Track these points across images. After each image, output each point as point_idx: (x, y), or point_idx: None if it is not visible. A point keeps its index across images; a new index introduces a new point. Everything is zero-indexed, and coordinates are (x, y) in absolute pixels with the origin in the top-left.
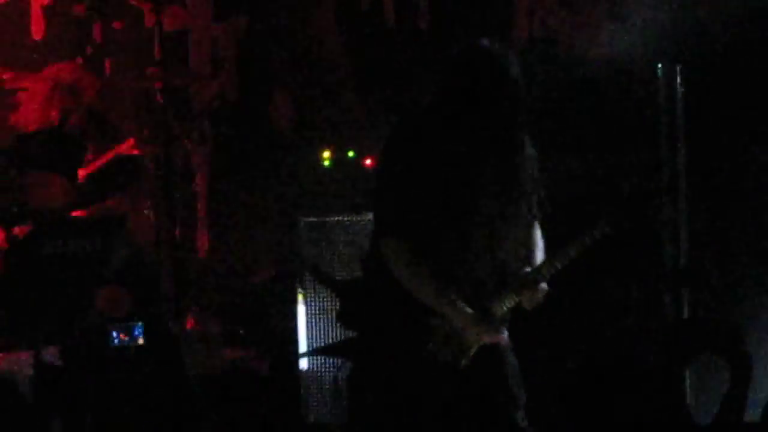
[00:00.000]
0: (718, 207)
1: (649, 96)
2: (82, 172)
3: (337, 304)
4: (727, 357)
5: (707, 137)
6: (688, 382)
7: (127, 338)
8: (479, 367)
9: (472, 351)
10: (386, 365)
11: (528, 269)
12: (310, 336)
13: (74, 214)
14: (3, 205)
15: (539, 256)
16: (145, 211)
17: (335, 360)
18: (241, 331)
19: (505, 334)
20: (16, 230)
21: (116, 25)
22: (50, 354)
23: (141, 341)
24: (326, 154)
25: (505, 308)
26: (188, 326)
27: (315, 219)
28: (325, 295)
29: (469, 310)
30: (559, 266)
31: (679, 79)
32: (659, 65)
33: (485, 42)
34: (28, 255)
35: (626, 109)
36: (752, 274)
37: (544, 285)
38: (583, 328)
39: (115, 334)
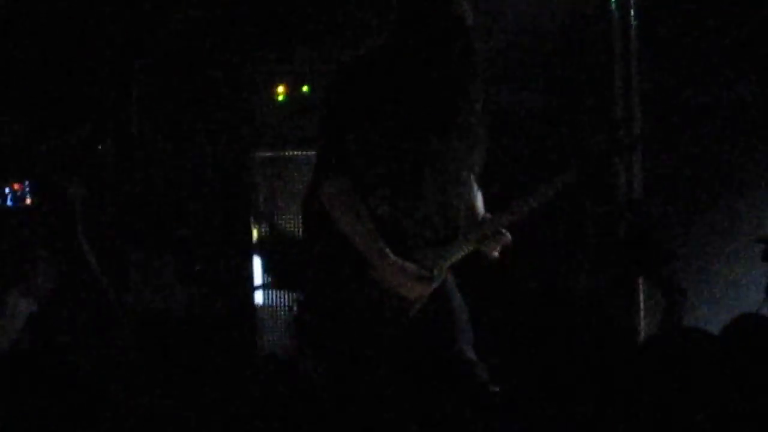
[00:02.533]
0: (673, 144)
1: (602, 30)
2: None
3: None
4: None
5: (662, 73)
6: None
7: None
8: (424, 307)
9: (416, 303)
10: (329, 311)
11: (488, 216)
12: (265, 274)
13: None
14: None
15: (480, 207)
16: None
17: (290, 294)
18: (197, 267)
19: (436, 283)
20: None
21: None
22: None
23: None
24: (281, 89)
25: (459, 256)
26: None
27: (270, 154)
28: (281, 233)
29: (398, 261)
30: (522, 214)
31: (632, 12)
32: None
33: None
34: None
35: (580, 43)
36: (702, 208)
37: (507, 234)
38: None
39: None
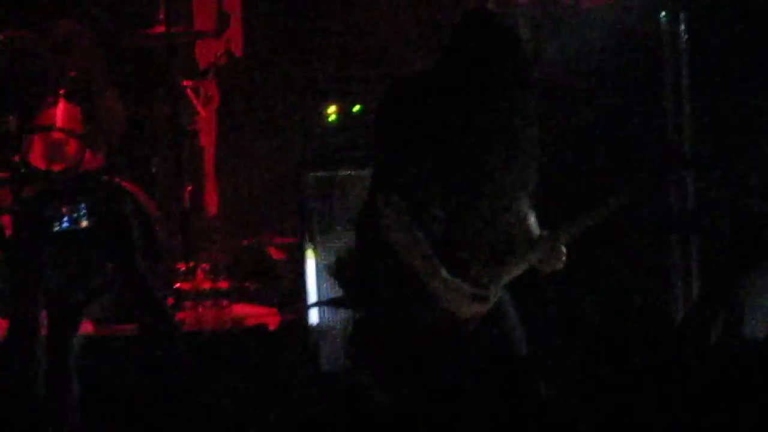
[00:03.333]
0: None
1: (652, 45)
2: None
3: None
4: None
5: (712, 90)
6: None
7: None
8: (480, 326)
9: (471, 322)
10: (385, 327)
11: (545, 232)
12: (320, 292)
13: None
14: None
15: (534, 225)
16: (153, 170)
17: (345, 313)
18: (250, 287)
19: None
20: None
21: None
22: None
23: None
24: (332, 108)
25: (514, 274)
26: (198, 283)
27: (323, 173)
28: (334, 249)
29: (453, 280)
30: (578, 231)
31: (683, 27)
32: (663, 13)
33: (494, 8)
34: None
35: (630, 59)
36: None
37: (563, 249)
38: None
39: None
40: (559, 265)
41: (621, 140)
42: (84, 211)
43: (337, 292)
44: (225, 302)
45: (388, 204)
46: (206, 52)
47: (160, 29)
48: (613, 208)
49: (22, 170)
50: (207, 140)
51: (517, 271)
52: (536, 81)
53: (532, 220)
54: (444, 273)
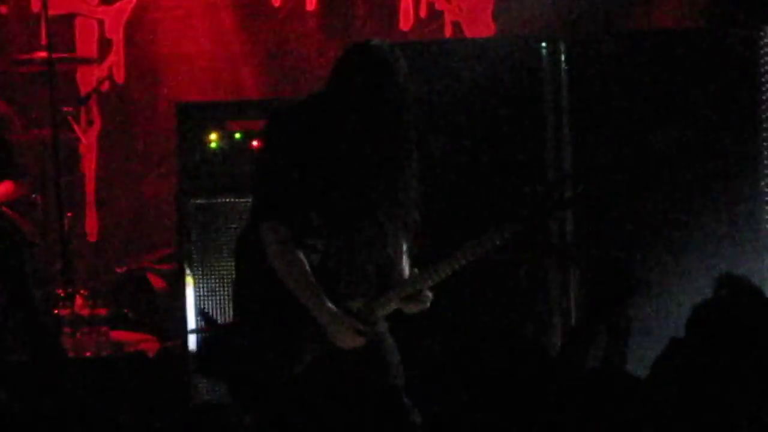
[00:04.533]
0: (605, 189)
1: (533, 74)
2: None
3: (226, 287)
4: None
5: (593, 117)
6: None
7: None
8: (356, 352)
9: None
10: (262, 352)
11: (414, 274)
12: (199, 319)
13: None
14: None
15: (405, 263)
16: (33, 196)
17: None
18: (129, 314)
19: (372, 333)
20: None
21: (2, 9)
22: None
23: None
24: (213, 135)
25: (389, 309)
26: (76, 309)
27: (203, 201)
28: (214, 276)
29: (333, 308)
30: (449, 273)
31: (563, 57)
32: (543, 44)
33: (376, 42)
34: None
35: (510, 89)
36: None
37: (429, 294)
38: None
39: None
40: (422, 308)
41: (501, 172)
42: None
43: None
44: (104, 329)
45: (274, 233)
46: (88, 77)
47: (42, 54)
48: (483, 247)
49: None
50: (88, 165)
51: (388, 309)
52: (414, 114)
53: (405, 257)
54: (327, 303)
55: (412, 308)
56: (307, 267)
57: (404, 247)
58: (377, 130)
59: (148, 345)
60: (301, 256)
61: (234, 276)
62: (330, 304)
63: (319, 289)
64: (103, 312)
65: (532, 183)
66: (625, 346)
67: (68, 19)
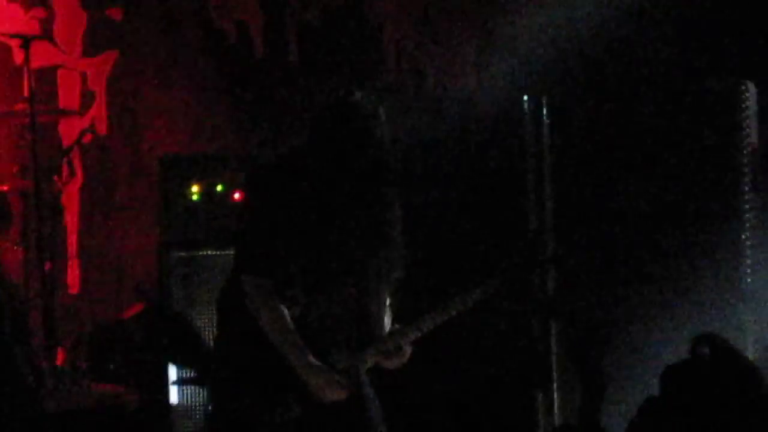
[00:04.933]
0: (587, 242)
1: (515, 129)
2: None
3: (208, 339)
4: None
5: (575, 171)
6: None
7: None
8: (338, 406)
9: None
10: (243, 412)
11: (395, 329)
12: (180, 371)
13: None
14: None
15: (388, 317)
16: (15, 247)
17: (206, 394)
18: (111, 366)
19: (353, 386)
20: None
21: None
22: None
23: None
24: (195, 188)
25: (367, 365)
26: (58, 362)
27: (185, 253)
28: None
29: (315, 362)
30: (430, 329)
31: (545, 112)
32: (525, 97)
33: (354, 95)
34: None
35: (492, 143)
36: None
37: (407, 349)
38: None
39: None
40: (400, 363)
41: (483, 225)
42: None
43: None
44: (85, 382)
45: (255, 286)
46: (70, 129)
47: (23, 106)
48: (466, 304)
49: None
50: (70, 217)
51: (373, 361)
52: (396, 170)
53: (387, 311)
54: (309, 357)
55: (390, 363)
56: (289, 320)
57: (386, 302)
58: (357, 185)
59: (129, 397)
60: (283, 308)
61: (216, 328)
62: (311, 358)
63: (300, 343)
64: (83, 365)
65: (513, 238)
66: (600, 400)
67: (51, 71)
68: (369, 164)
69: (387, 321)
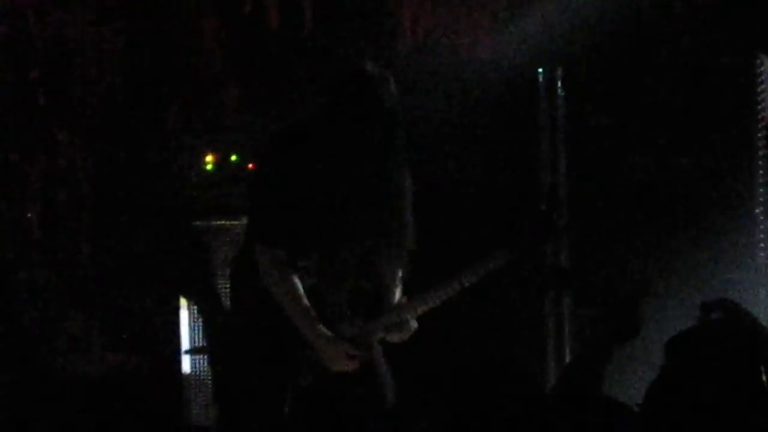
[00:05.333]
0: (600, 214)
1: (529, 101)
2: None
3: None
4: None
5: (589, 144)
6: None
7: None
8: (349, 377)
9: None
10: (251, 374)
11: (403, 301)
12: (193, 341)
13: None
14: None
15: (399, 287)
16: (29, 215)
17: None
18: (123, 335)
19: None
20: None
21: None
22: None
23: None
24: (209, 158)
25: (379, 336)
26: (69, 329)
27: (199, 223)
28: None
29: (326, 333)
30: (440, 301)
31: (560, 83)
32: (540, 69)
33: (366, 66)
34: None
35: (507, 114)
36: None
37: (413, 324)
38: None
39: None
40: (405, 337)
41: (497, 198)
42: None
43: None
44: (97, 349)
45: (269, 255)
46: (85, 98)
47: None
48: (476, 275)
49: None
50: (85, 187)
51: (383, 333)
52: (406, 138)
53: (398, 283)
54: (320, 327)
55: (394, 337)
56: (301, 290)
57: (398, 273)
58: (368, 155)
59: (142, 366)
60: (296, 278)
61: (229, 297)
62: (323, 328)
63: (312, 312)
64: (96, 333)
65: (527, 209)
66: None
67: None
68: (379, 134)
69: (398, 293)
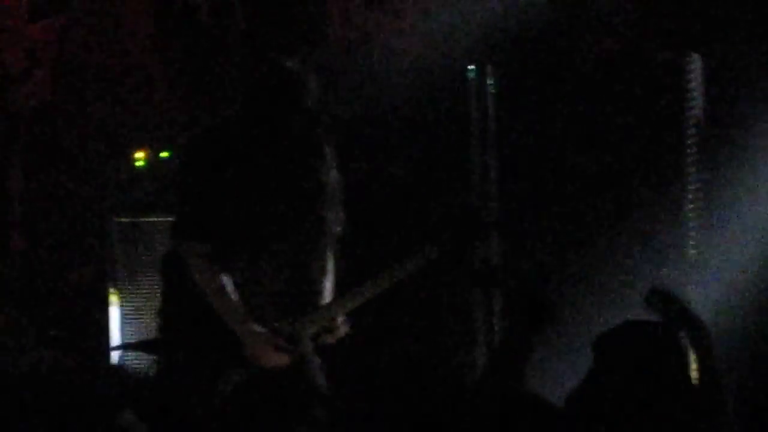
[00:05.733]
0: (530, 211)
1: (459, 98)
2: None
3: (152, 305)
4: None
5: (519, 141)
6: None
7: None
8: (281, 373)
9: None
10: (185, 373)
11: (328, 302)
12: (124, 336)
13: None
14: None
15: (329, 281)
16: None
17: (148, 357)
18: (52, 332)
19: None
20: None
21: None
22: None
23: None
24: (140, 154)
25: (309, 332)
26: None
27: (127, 219)
28: (139, 295)
29: (256, 328)
30: (370, 297)
31: (490, 81)
32: (470, 66)
33: (283, 62)
34: None
35: (437, 111)
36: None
37: (344, 325)
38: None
39: None
40: (335, 338)
41: (426, 195)
42: None
43: (140, 336)
44: (26, 345)
45: (195, 251)
46: (15, 96)
47: None
48: (409, 270)
49: None
50: (13, 183)
51: (313, 329)
52: (332, 132)
53: (329, 276)
54: (250, 322)
55: (327, 338)
56: (231, 286)
57: (328, 264)
58: (288, 150)
59: (71, 363)
60: (223, 275)
61: (160, 295)
62: (253, 324)
63: (242, 308)
64: (28, 329)
65: (457, 206)
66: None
67: None
68: (298, 129)
69: (328, 285)
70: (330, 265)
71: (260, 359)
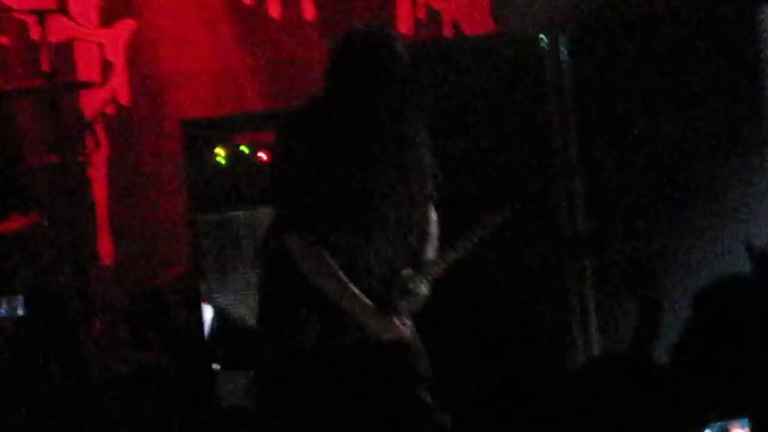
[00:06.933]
0: (614, 179)
1: (533, 68)
2: None
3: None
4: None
5: (596, 109)
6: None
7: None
8: (384, 348)
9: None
10: (291, 357)
11: (412, 271)
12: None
13: None
14: None
15: (433, 240)
16: (44, 223)
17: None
18: (149, 334)
19: (406, 328)
20: None
21: (1, 40)
22: None
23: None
24: (220, 150)
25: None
26: (96, 332)
27: (212, 216)
28: (231, 293)
29: (370, 304)
30: (455, 259)
31: (564, 50)
32: (542, 36)
33: (364, 26)
34: None
35: (512, 83)
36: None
37: (423, 290)
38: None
39: None
40: (417, 307)
41: (504, 172)
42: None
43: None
44: (125, 350)
45: (300, 241)
46: (92, 102)
47: (43, 81)
48: (486, 230)
49: None
50: (98, 189)
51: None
52: (417, 97)
53: (433, 242)
54: (365, 300)
55: (411, 305)
56: (336, 267)
57: (430, 232)
58: (384, 116)
59: (170, 364)
60: (330, 259)
61: (259, 284)
62: (368, 302)
63: (352, 287)
64: (123, 335)
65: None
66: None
67: (68, 45)
68: (395, 84)
69: (431, 252)
70: (433, 229)
71: (382, 333)
